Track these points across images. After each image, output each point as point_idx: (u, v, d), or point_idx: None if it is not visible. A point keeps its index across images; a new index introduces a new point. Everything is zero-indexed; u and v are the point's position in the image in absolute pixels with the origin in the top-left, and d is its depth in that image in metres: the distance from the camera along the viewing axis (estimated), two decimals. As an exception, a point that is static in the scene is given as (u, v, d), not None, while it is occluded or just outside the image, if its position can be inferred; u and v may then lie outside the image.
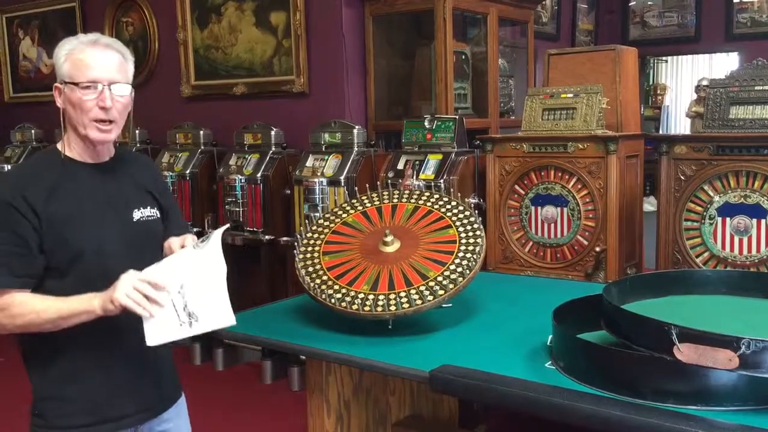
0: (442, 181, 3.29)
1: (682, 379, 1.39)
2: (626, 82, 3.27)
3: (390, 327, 1.93)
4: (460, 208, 2.18)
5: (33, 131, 5.41)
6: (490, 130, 4.08)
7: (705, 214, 2.77)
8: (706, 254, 2.79)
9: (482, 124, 4.09)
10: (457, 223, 2.12)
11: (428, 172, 3.38)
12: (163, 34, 4.85)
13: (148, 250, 1.72)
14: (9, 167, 5.28)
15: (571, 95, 3.08)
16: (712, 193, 2.76)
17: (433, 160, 3.43)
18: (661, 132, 8.01)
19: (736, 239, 2.73)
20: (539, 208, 3.15)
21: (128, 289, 1.49)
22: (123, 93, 1.63)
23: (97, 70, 1.60)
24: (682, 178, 2.80)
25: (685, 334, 1.38)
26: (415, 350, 1.83)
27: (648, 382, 1.42)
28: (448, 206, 2.20)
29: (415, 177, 3.18)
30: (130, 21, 4.98)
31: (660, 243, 2.85)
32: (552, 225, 3.12)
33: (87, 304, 1.53)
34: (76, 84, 1.59)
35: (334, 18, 4.07)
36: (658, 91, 8.12)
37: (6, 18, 5.73)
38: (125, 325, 1.60)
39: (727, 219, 2.74)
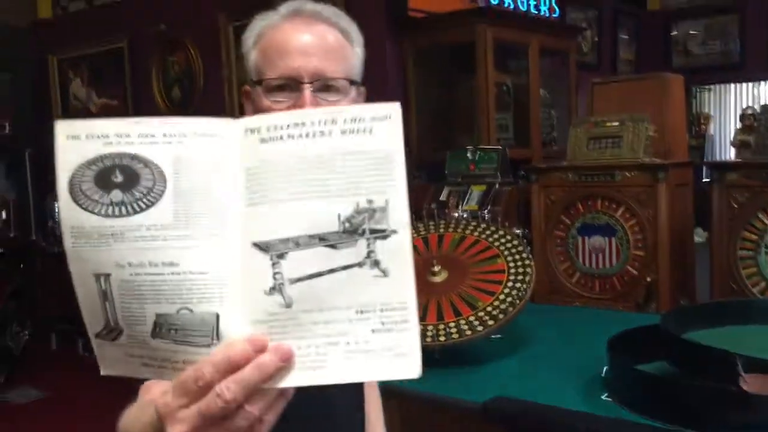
0: (486, 211, 3.26)
1: (748, 410, 1.34)
2: (673, 109, 3.23)
3: (437, 357, 1.90)
4: (508, 237, 2.15)
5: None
6: (533, 160, 4.05)
7: (761, 242, 2.70)
8: (762, 284, 2.71)
9: (524, 155, 4.06)
10: (506, 253, 2.10)
11: (472, 203, 3.36)
12: (208, 71, 4.95)
13: None
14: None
15: (616, 123, 3.05)
16: (767, 221, 2.69)
17: (476, 191, 3.41)
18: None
19: (794, 268, 2.65)
20: (586, 237, 3.10)
21: None
22: (334, 98, 1.04)
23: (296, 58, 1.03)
24: (735, 206, 2.74)
25: (752, 364, 1.33)
26: (465, 381, 1.80)
27: (713, 414, 1.36)
28: (496, 235, 2.18)
29: (459, 208, 3.17)
30: (176, 60, 5.10)
31: (714, 273, 2.78)
32: (600, 255, 3.06)
33: None
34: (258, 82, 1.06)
35: (376, 53, 4.11)
36: (702, 121, 8.00)
37: (57, 60, 5.91)
38: None
39: (784, 247, 2.67)
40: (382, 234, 0.63)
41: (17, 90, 5.82)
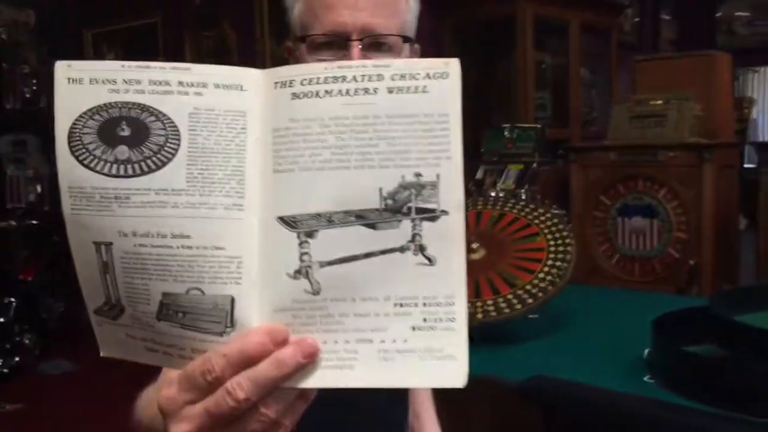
0: (523, 191, 3.20)
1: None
2: (720, 88, 3.12)
3: (474, 337, 1.86)
4: (548, 215, 2.10)
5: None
6: (571, 141, 3.97)
7: (810, 225, 2.61)
8: (811, 269, 2.62)
9: (562, 135, 3.98)
10: (546, 231, 2.04)
11: (508, 182, 3.30)
12: (242, 46, 4.93)
13: None
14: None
15: (661, 102, 2.96)
16: (817, 204, 2.59)
17: (513, 171, 3.34)
18: (747, 148, 7.66)
19: None
20: (626, 219, 3.02)
21: None
22: (385, 57, 0.93)
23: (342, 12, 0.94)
24: (784, 188, 2.65)
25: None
26: (502, 360, 1.75)
27: (763, 397, 1.30)
28: (535, 213, 2.12)
29: (496, 187, 3.11)
30: (210, 35, 5.08)
31: (760, 256, 2.69)
32: (640, 237, 2.99)
33: None
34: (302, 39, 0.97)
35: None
36: (744, 104, 7.79)
37: (92, 34, 5.93)
38: None
39: (834, 231, 2.57)
40: (431, 215, 0.54)
41: (52, 64, 5.85)
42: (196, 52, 5.14)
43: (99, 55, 5.91)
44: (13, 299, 4.44)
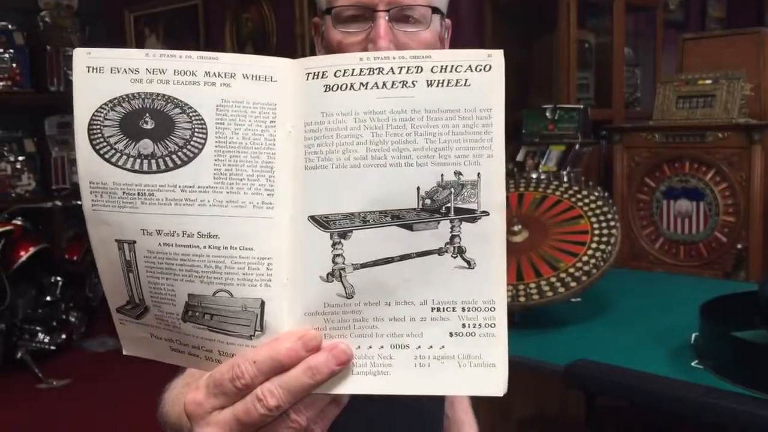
0: (565, 173, 3.15)
1: None
2: (770, 67, 3.02)
3: (516, 320, 1.85)
4: (592, 197, 2.06)
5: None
6: (614, 122, 3.89)
7: None
8: None
9: (605, 116, 3.90)
10: (589, 213, 2.01)
11: (550, 164, 3.25)
12: (281, 28, 4.92)
13: None
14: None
15: (709, 81, 2.88)
16: None
17: (555, 151, 3.29)
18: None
19: None
20: (672, 201, 2.96)
21: None
22: (413, 29, 0.91)
23: None
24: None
25: None
26: (545, 344, 1.74)
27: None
28: (579, 195, 2.09)
29: (538, 169, 3.07)
30: (250, 17, 5.08)
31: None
32: (686, 220, 2.93)
33: None
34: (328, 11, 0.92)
35: (452, 5, 3.99)
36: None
37: (133, 16, 5.98)
38: None
39: None
40: (471, 215, 0.52)
41: (94, 46, 5.93)
42: (236, 34, 5.15)
43: (140, 38, 5.96)
44: (59, 278, 4.54)
